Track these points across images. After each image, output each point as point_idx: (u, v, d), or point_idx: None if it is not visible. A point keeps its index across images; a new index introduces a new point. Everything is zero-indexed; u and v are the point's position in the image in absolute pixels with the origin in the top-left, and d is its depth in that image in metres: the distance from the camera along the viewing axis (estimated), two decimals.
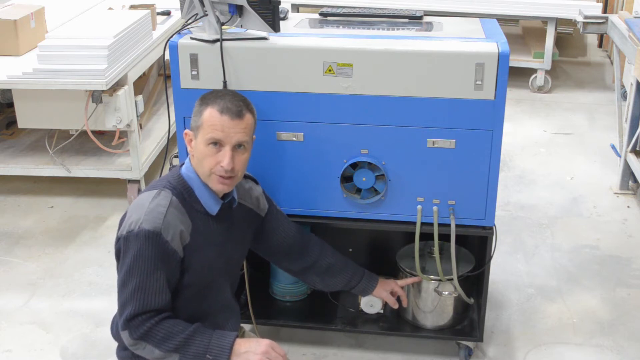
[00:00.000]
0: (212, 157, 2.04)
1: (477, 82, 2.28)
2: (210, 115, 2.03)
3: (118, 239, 2.03)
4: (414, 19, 2.71)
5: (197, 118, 2.07)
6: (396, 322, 2.74)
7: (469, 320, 2.73)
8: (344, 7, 3.50)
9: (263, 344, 1.99)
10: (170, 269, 2.00)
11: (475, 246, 2.72)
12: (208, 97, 2.09)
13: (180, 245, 2.02)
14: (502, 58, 2.26)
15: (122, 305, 1.98)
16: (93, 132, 3.67)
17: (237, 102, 2.06)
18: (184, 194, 2.08)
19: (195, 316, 2.08)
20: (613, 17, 3.98)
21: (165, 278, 1.98)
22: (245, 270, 2.62)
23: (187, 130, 2.13)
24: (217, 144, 2.03)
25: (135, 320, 1.94)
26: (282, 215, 2.45)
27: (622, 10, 5.26)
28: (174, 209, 2.02)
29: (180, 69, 2.39)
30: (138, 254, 1.95)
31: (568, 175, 4.31)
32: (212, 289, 2.17)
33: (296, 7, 5.87)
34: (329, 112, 2.38)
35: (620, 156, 4.12)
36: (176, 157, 2.51)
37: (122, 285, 1.98)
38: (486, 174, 2.40)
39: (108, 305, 3.02)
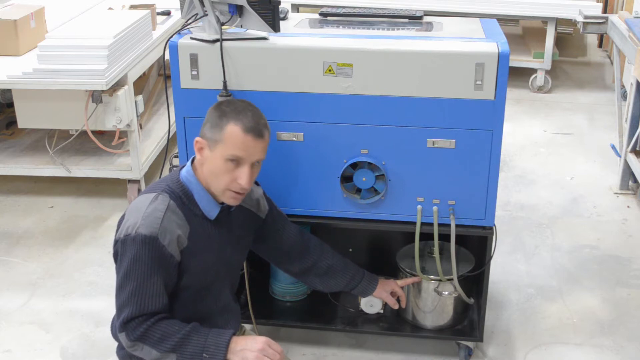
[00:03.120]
0: (229, 173, 2.03)
1: (477, 82, 2.28)
2: (234, 133, 2.01)
3: (116, 242, 2.03)
4: (414, 19, 2.72)
5: (217, 131, 2.02)
6: (396, 322, 2.74)
7: (469, 320, 2.73)
8: (344, 7, 3.50)
9: (259, 341, 1.98)
10: (167, 272, 2.00)
11: (475, 246, 2.72)
12: (227, 110, 2.04)
13: (177, 250, 2.02)
14: (502, 58, 2.26)
15: (119, 308, 1.98)
16: (93, 132, 3.67)
17: (257, 120, 2.05)
18: (182, 198, 2.07)
19: (194, 318, 2.07)
20: (613, 17, 3.98)
21: (162, 282, 1.98)
22: (245, 270, 2.62)
23: (198, 138, 2.07)
24: (235, 160, 2.04)
25: (132, 322, 1.95)
26: (283, 216, 2.45)
27: (622, 10, 5.26)
28: (171, 213, 2.02)
29: (180, 69, 2.39)
30: (135, 258, 1.96)
31: (568, 175, 4.31)
32: (211, 291, 2.17)
33: (296, 7, 5.87)
34: (329, 112, 2.38)
35: (620, 156, 4.12)
36: (176, 157, 2.51)
37: (120, 289, 1.99)
38: (486, 174, 2.40)
39: (108, 305, 3.02)
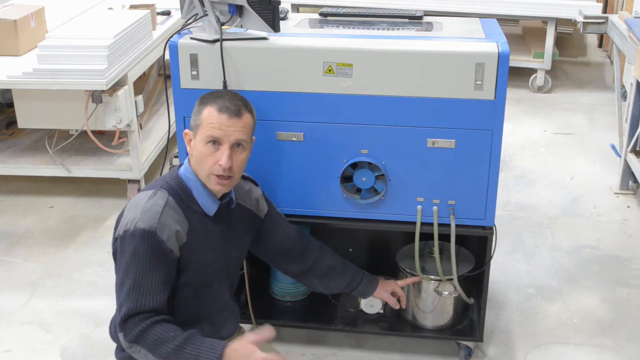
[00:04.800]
0: (210, 156, 2.04)
1: (477, 82, 2.28)
2: (209, 114, 2.04)
3: (115, 240, 2.03)
4: (414, 19, 2.72)
5: (196, 117, 2.08)
6: (396, 322, 2.74)
7: (469, 320, 2.73)
8: (344, 7, 3.50)
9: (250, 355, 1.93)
10: (167, 268, 2.00)
11: (475, 246, 2.72)
12: (207, 96, 2.10)
13: (176, 245, 2.02)
14: (502, 58, 2.26)
15: (119, 305, 1.98)
16: (93, 132, 3.67)
17: (235, 102, 2.07)
18: (181, 194, 2.08)
19: (193, 316, 2.07)
20: (613, 17, 3.98)
21: (161, 278, 1.98)
22: (245, 270, 2.62)
23: (186, 130, 2.14)
24: (215, 142, 2.04)
25: (130, 321, 1.93)
26: (282, 217, 2.45)
27: (622, 10, 5.26)
28: (170, 208, 2.02)
29: (180, 69, 2.39)
30: (134, 253, 1.96)
31: (568, 175, 4.31)
32: (209, 289, 2.17)
33: (296, 7, 5.87)
34: (329, 112, 2.38)
35: (620, 156, 4.12)
36: (176, 157, 2.51)
37: (120, 286, 1.98)
38: (486, 174, 2.40)
39: (108, 305, 3.02)
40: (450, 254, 2.48)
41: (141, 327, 1.93)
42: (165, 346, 1.92)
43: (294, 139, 2.43)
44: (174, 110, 2.45)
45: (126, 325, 1.94)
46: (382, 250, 2.91)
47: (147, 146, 4.08)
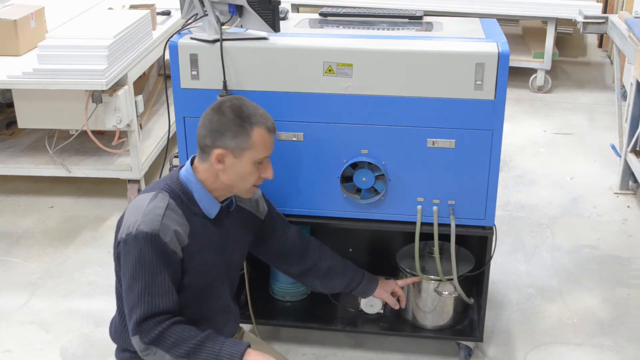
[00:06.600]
0: (255, 172, 2.09)
1: (477, 82, 2.28)
2: (262, 136, 2.05)
3: (118, 243, 2.02)
4: (414, 19, 2.72)
5: (242, 139, 2.03)
6: (396, 322, 2.74)
7: (469, 320, 2.73)
8: (344, 7, 3.50)
9: None
10: (172, 269, 2.00)
11: (475, 246, 2.72)
12: (247, 116, 2.04)
13: (178, 247, 2.01)
14: (502, 58, 2.26)
15: (129, 309, 1.96)
16: (93, 132, 3.67)
17: (268, 116, 2.10)
18: (181, 196, 2.07)
19: (193, 318, 2.07)
20: (613, 17, 3.98)
21: (169, 279, 1.97)
22: (245, 270, 2.62)
23: (222, 151, 2.03)
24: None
25: (146, 324, 1.92)
26: (282, 218, 2.45)
27: (622, 10, 5.26)
28: (171, 211, 2.02)
29: (180, 69, 2.39)
30: (139, 256, 1.95)
31: (568, 175, 4.31)
32: (210, 291, 2.17)
33: (296, 7, 5.87)
34: (329, 112, 2.38)
35: (620, 156, 4.12)
36: (176, 157, 2.51)
37: (128, 290, 1.96)
38: (486, 174, 2.40)
39: (108, 305, 3.02)
40: (450, 254, 2.48)
41: (160, 328, 1.92)
42: (185, 345, 1.92)
43: (294, 139, 2.43)
44: (174, 110, 2.45)
45: (142, 328, 1.92)
46: (382, 250, 2.91)
47: (147, 146, 4.08)
